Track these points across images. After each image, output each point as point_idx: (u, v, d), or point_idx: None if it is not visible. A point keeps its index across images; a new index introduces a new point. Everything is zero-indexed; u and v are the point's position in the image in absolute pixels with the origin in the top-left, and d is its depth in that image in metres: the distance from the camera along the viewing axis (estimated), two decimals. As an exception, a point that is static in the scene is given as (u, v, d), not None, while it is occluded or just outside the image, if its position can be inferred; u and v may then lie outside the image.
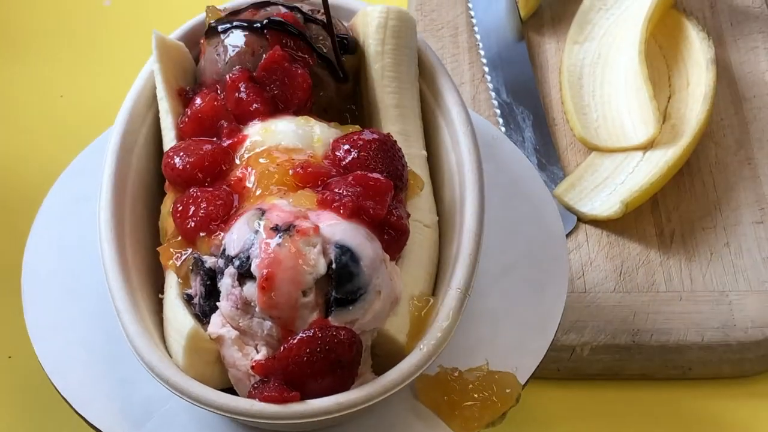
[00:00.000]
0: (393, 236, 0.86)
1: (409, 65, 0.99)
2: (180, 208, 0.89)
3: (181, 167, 0.91)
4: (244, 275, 0.82)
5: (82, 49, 1.44)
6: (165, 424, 0.88)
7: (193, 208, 0.87)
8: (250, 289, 0.81)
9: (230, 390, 0.84)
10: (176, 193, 0.91)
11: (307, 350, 0.80)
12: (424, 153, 0.97)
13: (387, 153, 0.89)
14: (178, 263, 0.88)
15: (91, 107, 1.36)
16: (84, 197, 0.99)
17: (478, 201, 0.91)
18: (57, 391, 0.90)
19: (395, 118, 0.96)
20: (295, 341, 0.80)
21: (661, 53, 1.34)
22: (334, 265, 0.81)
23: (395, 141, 0.90)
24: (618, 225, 1.20)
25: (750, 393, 1.13)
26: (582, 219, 1.21)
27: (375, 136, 0.91)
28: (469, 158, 0.93)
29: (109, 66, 1.42)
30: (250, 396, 0.81)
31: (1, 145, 1.33)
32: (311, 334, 0.80)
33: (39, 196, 1.05)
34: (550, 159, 1.26)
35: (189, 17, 1.06)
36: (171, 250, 0.89)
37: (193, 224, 0.87)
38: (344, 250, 0.81)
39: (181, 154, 0.91)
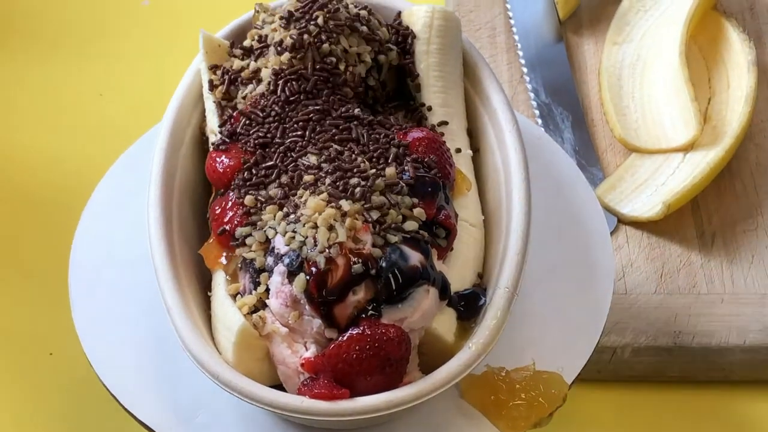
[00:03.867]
0: (441, 234, 0.86)
1: (455, 65, 0.99)
2: (217, 211, 0.89)
3: (221, 170, 0.91)
4: (294, 273, 0.82)
5: (120, 49, 1.45)
6: (213, 420, 0.88)
7: (230, 214, 0.88)
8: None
9: (279, 387, 0.84)
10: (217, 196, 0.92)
11: (357, 348, 0.80)
12: (470, 152, 0.97)
13: (435, 151, 0.89)
14: (226, 261, 0.89)
15: (130, 106, 1.37)
16: (131, 193, 0.99)
17: (525, 200, 0.91)
18: (105, 387, 0.91)
19: (441, 118, 0.96)
20: (345, 339, 0.80)
21: (701, 55, 1.34)
22: (384, 263, 0.81)
23: (443, 139, 0.90)
24: (658, 227, 1.20)
25: (792, 396, 1.13)
26: (622, 220, 1.21)
27: (422, 133, 0.91)
28: (515, 158, 0.94)
29: (147, 65, 1.42)
30: (299, 393, 0.81)
31: (43, 144, 1.33)
32: (361, 332, 0.80)
33: (81, 194, 1.05)
34: (589, 160, 1.26)
35: (224, 15, 1.06)
36: (219, 247, 0.90)
37: (227, 229, 0.88)
38: (394, 248, 0.82)
39: (223, 157, 0.91)
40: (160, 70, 1.40)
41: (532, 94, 1.32)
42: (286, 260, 0.82)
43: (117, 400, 0.90)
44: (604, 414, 1.11)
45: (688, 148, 1.24)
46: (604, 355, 1.11)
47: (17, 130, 1.35)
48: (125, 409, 0.89)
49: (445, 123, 0.96)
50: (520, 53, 1.36)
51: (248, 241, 0.86)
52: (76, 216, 1.03)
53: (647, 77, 1.32)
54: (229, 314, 0.85)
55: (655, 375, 1.13)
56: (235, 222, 0.88)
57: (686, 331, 1.12)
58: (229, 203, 0.89)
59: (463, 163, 0.95)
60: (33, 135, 1.35)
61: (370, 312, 0.81)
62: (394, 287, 0.81)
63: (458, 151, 0.95)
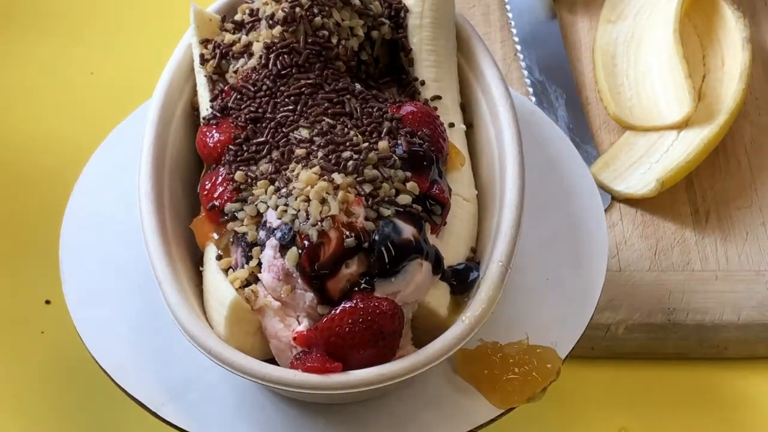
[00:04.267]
0: (434, 209, 0.85)
1: (448, 39, 0.99)
2: (207, 186, 0.89)
3: (212, 145, 0.91)
4: (286, 246, 0.81)
5: (111, 26, 1.44)
6: (204, 395, 0.88)
7: (219, 189, 0.87)
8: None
9: (271, 361, 0.84)
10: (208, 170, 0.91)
11: (350, 321, 0.80)
12: (463, 126, 0.97)
13: (429, 125, 0.89)
14: (217, 236, 0.88)
15: (122, 84, 1.36)
16: (121, 169, 0.99)
17: (519, 175, 0.91)
18: (96, 363, 0.90)
19: (434, 92, 0.96)
20: (338, 312, 0.80)
21: (695, 33, 1.33)
22: (377, 237, 0.80)
23: (437, 114, 0.90)
24: (653, 204, 1.19)
25: (786, 373, 1.13)
26: (616, 198, 1.20)
27: (415, 108, 0.90)
28: (508, 132, 0.93)
29: (138, 43, 1.41)
30: (291, 366, 0.81)
31: (34, 123, 1.33)
32: (353, 305, 0.80)
33: (72, 172, 1.05)
34: (583, 138, 1.25)
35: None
36: (209, 223, 0.89)
37: (217, 204, 0.87)
38: (387, 221, 0.81)
39: (213, 131, 0.91)
40: (152, 48, 1.38)
41: (525, 72, 1.31)
42: (278, 234, 0.82)
43: (109, 376, 0.89)
44: (598, 391, 1.11)
45: (682, 125, 1.24)
46: (598, 331, 1.11)
47: (8, 109, 1.34)
48: (117, 385, 0.89)
49: (438, 97, 0.96)
50: (514, 31, 1.36)
51: (239, 215, 0.85)
52: (67, 192, 1.02)
53: (641, 55, 1.31)
54: (221, 288, 0.84)
55: (649, 352, 1.12)
56: (225, 197, 0.87)
57: (680, 308, 1.11)
58: (219, 178, 0.88)
59: (456, 137, 0.95)
60: (24, 114, 1.34)
61: (363, 285, 0.80)
62: (387, 260, 0.80)
63: (451, 125, 0.94)
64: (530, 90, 1.29)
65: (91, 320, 0.92)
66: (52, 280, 1.10)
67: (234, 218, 0.86)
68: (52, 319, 1.15)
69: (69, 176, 1.05)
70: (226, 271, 0.86)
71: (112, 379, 0.89)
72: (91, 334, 0.91)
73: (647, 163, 1.22)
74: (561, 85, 1.30)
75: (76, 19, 1.44)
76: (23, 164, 1.28)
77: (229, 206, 0.86)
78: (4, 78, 1.38)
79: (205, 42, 0.97)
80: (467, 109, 0.99)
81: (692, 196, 1.21)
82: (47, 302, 1.16)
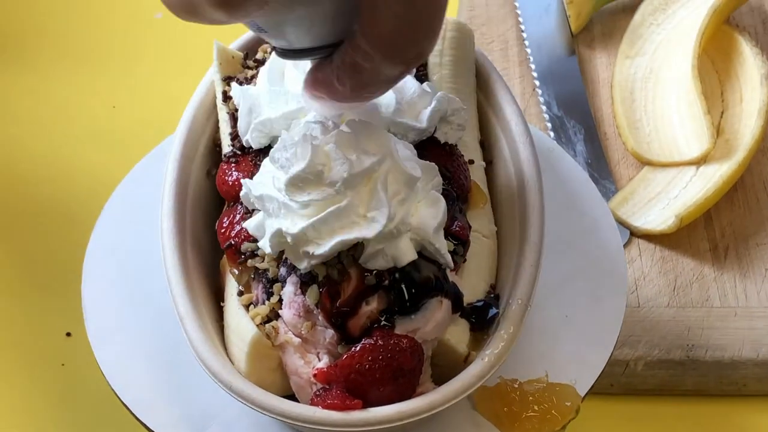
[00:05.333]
0: (455, 245, 0.86)
1: (468, 76, 1.00)
2: (225, 224, 0.89)
3: (231, 183, 0.91)
4: (307, 283, 0.82)
5: (134, 61, 1.45)
6: (224, 430, 0.88)
7: (237, 228, 0.88)
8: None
9: (291, 397, 0.84)
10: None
11: (370, 358, 0.80)
12: (483, 163, 0.97)
13: (452, 162, 0.89)
14: (238, 272, 0.89)
15: (143, 117, 1.37)
16: (143, 204, 1.00)
17: (539, 213, 0.91)
18: (117, 397, 0.91)
19: (454, 129, 0.96)
20: (358, 349, 0.80)
21: (713, 68, 1.34)
22: (397, 274, 0.81)
23: (460, 152, 0.90)
24: (671, 240, 1.20)
25: (806, 410, 1.12)
26: (635, 233, 1.20)
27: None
28: (529, 169, 0.94)
29: (160, 77, 1.43)
30: (312, 403, 0.81)
31: (57, 155, 1.34)
32: (373, 342, 0.80)
33: (94, 205, 1.06)
34: (602, 173, 1.26)
35: (238, 27, 1.06)
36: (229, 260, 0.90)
37: (232, 243, 0.88)
38: (408, 258, 0.82)
39: (233, 169, 0.92)
40: (173, 83, 1.40)
41: (544, 107, 1.32)
42: (300, 271, 0.82)
43: (130, 411, 0.90)
44: (617, 428, 1.11)
45: (701, 161, 1.24)
46: (616, 368, 1.10)
47: (32, 141, 1.36)
48: (138, 420, 0.89)
49: (458, 135, 0.96)
50: (533, 66, 1.36)
51: (260, 252, 0.86)
52: (89, 227, 1.03)
53: (660, 90, 1.32)
54: (242, 324, 0.85)
55: (669, 388, 1.12)
56: (243, 236, 0.88)
57: (699, 345, 1.11)
58: (237, 216, 0.89)
59: (476, 174, 0.95)
60: (48, 146, 1.35)
61: (383, 322, 0.81)
62: (407, 298, 0.81)
63: (471, 162, 0.95)
64: (549, 125, 1.30)
65: (113, 355, 0.92)
66: (73, 313, 1.11)
67: (253, 255, 0.87)
68: (72, 351, 1.16)
69: (92, 210, 1.06)
70: (247, 307, 0.86)
71: (133, 414, 0.90)
72: (112, 368, 0.92)
73: (666, 199, 1.22)
74: (579, 120, 1.31)
75: (99, 52, 1.46)
76: (46, 198, 1.29)
77: (246, 245, 0.87)
78: (27, 111, 1.39)
79: (227, 79, 0.98)
80: (487, 146, 1.00)
81: (711, 232, 1.21)
82: (68, 335, 1.17)
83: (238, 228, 0.88)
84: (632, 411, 1.12)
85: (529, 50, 1.38)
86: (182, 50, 1.45)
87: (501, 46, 1.40)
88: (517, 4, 1.43)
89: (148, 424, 0.88)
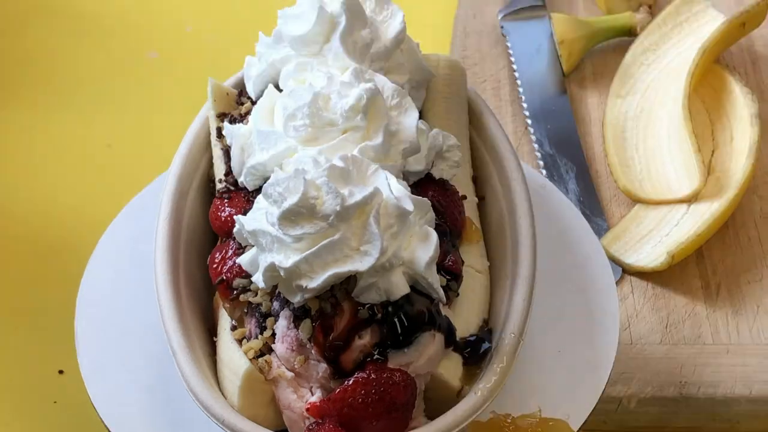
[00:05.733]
0: (448, 280, 0.86)
1: (460, 113, 1.01)
2: (217, 259, 0.90)
3: (223, 219, 0.92)
4: (300, 317, 0.82)
5: (129, 100, 1.46)
6: (217, 466, 0.88)
7: (229, 264, 0.89)
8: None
9: (284, 432, 0.84)
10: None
11: (362, 392, 0.80)
12: (475, 199, 0.98)
13: (447, 198, 0.90)
14: (231, 307, 0.89)
15: (138, 156, 1.38)
16: (137, 240, 1.00)
17: (530, 247, 0.92)
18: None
19: (447, 165, 0.97)
20: (351, 383, 0.81)
21: (704, 108, 1.35)
22: (390, 308, 0.81)
23: (454, 188, 0.91)
24: (663, 277, 1.20)
25: (799, 447, 1.12)
26: (627, 271, 1.21)
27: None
28: (521, 205, 0.94)
29: (155, 117, 1.44)
30: (305, 437, 0.82)
31: (51, 193, 1.34)
32: (366, 376, 0.80)
33: (88, 242, 1.06)
34: (594, 210, 1.26)
35: (231, 67, 1.08)
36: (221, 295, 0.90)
37: (224, 278, 0.88)
38: (400, 293, 0.82)
39: (226, 205, 0.92)
40: (168, 122, 1.40)
41: (536, 146, 1.33)
42: (292, 305, 0.83)
43: (121, 446, 0.90)
44: (610, 465, 1.11)
45: (692, 199, 1.25)
46: (609, 405, 1.10)
47: (28, 179, 1.36)
48: (129, 455, 0.89)
49: (450, 170, 0.97)
50: (524, 105, 1.38)
51: (252, 287, 0.86)
52: (83, 264, 1.03)
53: (651, 129, 1.33)
54: (234, 358, 0.85)
55: (661, 426, 1.12)
56: (234, 272, 0.88)
57: (692, 382, 1.11)
58: (229, 252, 0.90)
59: (468, 209, 0.96)
60: (43, 184, 1.36)
61: (376, 356, 0.81)
62: (400, 332, 0.81)
63: (464, 197, 0.96)
64: (541, 163, 1.31)
65: (105, 389, 0.93)
66: (65, 350, 1.11)
67: (245, 291, 0.87)
68: (65, 388, 1.16)
69: (85, 247, 1.06)
70: (240, 341, 0.87)
71: (125, 450, 0.90)
72: (104, 403, 0.92)
73: (658, 236, 1.23)
74: (571, 158, 1.32)
75: (94, 91, 1.47)
76: (40, 235, 1.30)
77: (237, 281, 0.88)
78: (23, 150, 1.40)
79: (221, 116, 0.99)
80: (479, 181, 1.01)
81: (703, 270, 1.22)
82: (60, 372, 1.17)
83: (230, 263, 0.89)
84: (626, 448, 1.12)
85: (521, 89, 1.39)
86: (177, 90, 1.46)
87: (493, 86, 1.41)
88: (509, 44, 1.44)
89: (140, 459, 0.88)
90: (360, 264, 0.79)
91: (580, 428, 0.90)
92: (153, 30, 1.55)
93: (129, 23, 1.55)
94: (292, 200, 0.79)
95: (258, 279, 0.83)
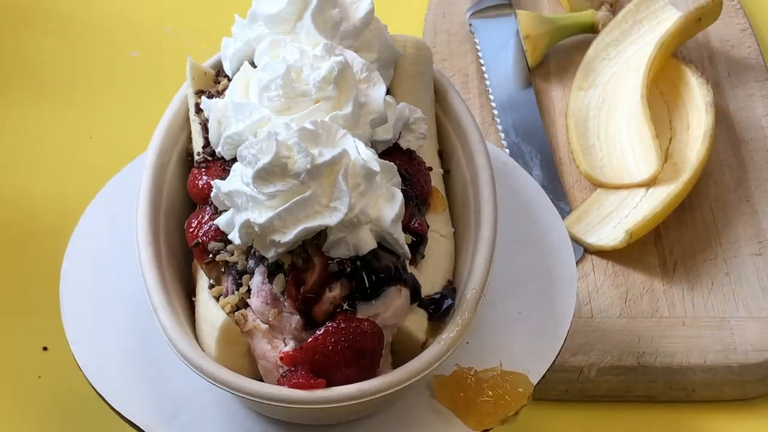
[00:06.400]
0: (414, 241, 0.91)
1: (426, 90, 1.06)
2: (194, 224, 0.95)
3: (200, 186, 0.97)
4: (273, 273, 0.87)
5: (110, 96, 1.51)
6: (195, 417, 0.92)
7: (205, 228, 0.93)
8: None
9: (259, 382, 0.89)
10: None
11: (333, 340, 0.85)
12: (441, 171, 1.03)
13: (413, 167, 0.95)
14: (208, 268, 0.94)
15: (118, 146, 1.42)
16: (119, 213, 1.05)
17: (492, 211, 0.97)
18: (95, 390, 0.95)
19: (413, 140, 1.03)
20: (321, 332, 0.85)
21: (662, 98, 1.41)
22: (359, 262, 0.86)
23: (421, 158, 0.97)
24: (623, 256, 1.26)
25: (752, 415, 1.17)
26: (588, 250, 1.26)
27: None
28: (483, 174, 1.00)
29: (135, 110, 1.48)
30: (279, 384, 0.86)
31: (35, 180, 1.39)
32: (336, 325, 0.85)
33: (70, 225, 1.09)
34: (557, 195, 1.32)
35: (210, 53, 1.13)
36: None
37: (199, 241, 0.93)
38: (368, 249, 0.87)
39: (203, 174, 0.97)
40: (148, 114, 1.45)
41: (502, 134, 1.38)
42: (267, 262, 0.88)
43: (106, 402, 0.94)
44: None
45: (650, 183, 1.30)
46: (571, 374, 1.16)
47: (11, 168, 1.41)
48: (114, 410, 0.93)
49: (417, 144, 1.02)
50: (492, 98, 1.43)
51: (230, 247, 0.91)
52: (65, 243, 1.07)
53: (612, 119, 1.39)
54: (212, 312, 0.90)
55: (621, 394, 1.17)
56: (210, 236, 0.93)
57: (649, 352, 1.17)
58: (206, 217, 0.95)
59: (434, 181, 1.01)
60: (25, 173, 1.40)
61: (345, 307, 0.86)
62: (367, 285, 0.86)
63: (430, 169, 1.01)
64: (507, 151, 1.36)
65: (90, 351, 0.97)
66: (49, 328, 1.16)
67: (218, 252, 0.92)
68: (49, 364, 1.20)
69: (67, 229, 1.10)
70: (217, 298, 0.91)
71: (109, 404, 0.94)
72: (89, 363, 0.96)
73: (617, 218, 1.28)
74: (536, 146, 1.37)
75: (77, 87, 1.51)
76: (23, 219, 1.34)
77: (213, 245, 0.93)
78: (6, 141, 1.44)
79: (199, 93, 1.04)
80: (444, 155, 1.06)
81: (660, 249, 1.27)
82: (44, 349, 1.21)
83: (205, 227, 0.94)
84: (587, 416, 1.16)
85: (488, 83, 1.45)
86: (156, 86, 1.50)
87: (462, 79, 1.47)
88: (476, 40, 1.50)
89: (123, 413, 0.92)
90: (329, 219, 0.84)
91: (538, 381, 0.95)
92: (133, 30, 1.60)
93: (111, 24, 1.60)
94: (265, 160, 0.85)
95: (234, 236, 0.88)
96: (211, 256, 0.92)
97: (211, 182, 0.92)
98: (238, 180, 0.87)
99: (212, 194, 0.91)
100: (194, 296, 0.95)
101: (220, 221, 0.90)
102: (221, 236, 0.92)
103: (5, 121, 1.47)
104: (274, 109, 0.93)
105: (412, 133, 0.98)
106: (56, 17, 1.60)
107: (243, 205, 0.87)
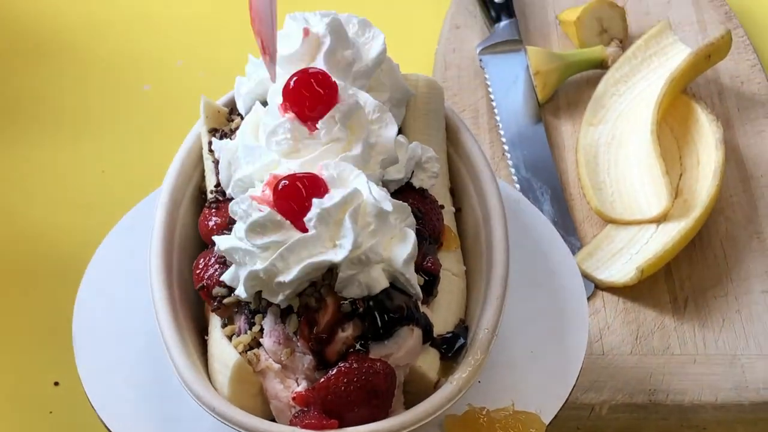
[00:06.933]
0: (426, 280, 0.92)
1: (438, 129, 1.06)
2: (201, 265, 0.95)
3: (210, 227, 0.98)
4: (286, 313, 0.88)
5: (123, 130, 1.52)
6: (207, 457, 0.92)
7: (210, 270, 0.94)
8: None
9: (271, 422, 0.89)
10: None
11: (345, 380, 0.85)
12: (452, 209, 1.04)
13: (426, 205, 0.96)
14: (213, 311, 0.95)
15: (130, 181, 1.43)
16: (132, 250, 1.05)
17: (504, 250, 0.97)
18: (106, 427, 0.95)
19: (425, 178, 1.03)
20: (334, 372, 0.86)
21: (672, 135, 1.42)
22: (371, 302, 0.86)
23: (433, 197, 0.97)
24: (634, 292, 1.26)
25: (764, 453, 1.17)
26: (599, 286, 1.27)
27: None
28: (495, 213, 1.00)
29: (147, 144, 1.49)
30: (291, 424, 0.86)
31: (48, 215, 1.39)
32: (349, 365, 0.85)
33: (84, 259, 1.10)
34: (567, 230, 1.32)
35: (223, 90, 1.13)
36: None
37: (204, 285, 0.94)
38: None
39: (214, 215, 0.98)
40: (160, 148, 1.46)
41: (513, 170, 1.39)
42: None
43: (118, 441, 0.94)
44: (584, 469, 1.15)
45: (660, 219, 1.31)
46: (582, 411, 1.16)
47: (25, 204, 1.41)
48: (125, 449, 0.94)
49: (429, 182, 1.03)
50: (502, 132, 1.44)
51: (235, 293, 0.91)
52: (77, 279, 1.07)
53: (622, 154, 1.39)
54: (225, 352, 0.90)
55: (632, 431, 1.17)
56: (214, 280, 0.93)
57: (661, 389, 1.17)
58: (212, 259, 0.95)
59: (446, 219, 1.01)
60: (39, 208, 1.41)
61: (358, 347, 0.86)
62: (380, 325, 0.86)
63: (442, 207, 1.01)
64: (517, 186, 1.37)
65: (102, 388, 0.97)
66: (61, 363, 1.16)
67: (223, 298, 0.92)
68: (60, 399, 1.20)
69: (80, 264, 1.10)
70: (230, 337, 0.92)
71: (121, 444, 0.94)
72: (101, 400, 0.96)
73: (628, 254, 1.28)
74: (546, 182, 1.38)
75: (90, 121, 1.52)
76: (37, 253, 1.35)
77: (217, 290, 0.93)
78: (20, 176, 1.45)
79: (213, 131, 1.04)
80: (456, 193, 1.06)
81: (671, 286, 1.27)
82: (56, 384, 1.21)
83: (210, 270, 0.94)
84: (598, 454, 1.17)
85: (498, 118, 1.46)
86: (169, 120, 1.52)
87: (472, 114, 1.47)
88: (487, 76, 1.51)
89: (134, 452, 0.93)
90: (334, 255, 0.85)
91: (550, 422, 0.95)
92: (146, 64, 1.61)
93: (124, 58, 1.61)
94: (257, 215, 0.85)
95: (240, 291, 0.88)
96: (216, 302, 0.93)
97: (214, 238, 0.92)
98: (233, 236, 0.88)
99: (215, 248, 0.92)
100: (206, 334, 0.95)
101: (226, 277, 0.90)
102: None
103: (17, 154, 1.48)
104: (282, 152, 0.93)
105: (425, 172, 0.99)
106: (69, 51, 1.62)
107: (241, 260, 0.87)
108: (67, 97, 1.56)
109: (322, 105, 0.93)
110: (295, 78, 0.94)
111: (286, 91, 0.94)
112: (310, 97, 0.93)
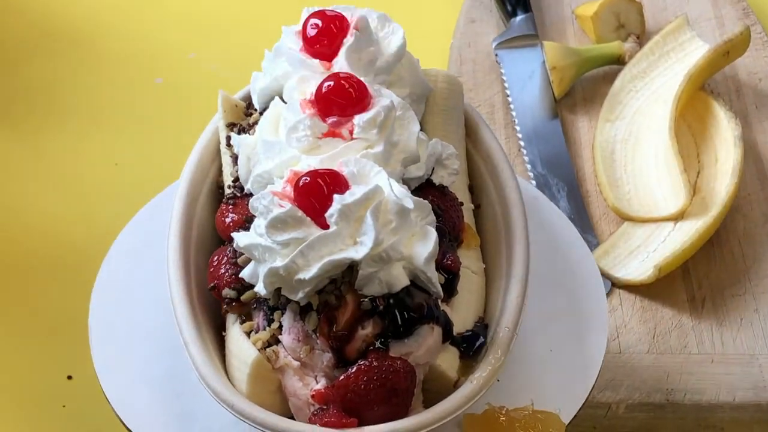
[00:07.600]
0: (446, 278, 0.91)
1: (457, 125, 1.05)
2: (214, 263, 0.94)
3: (227, 224, 0.97)
4: (306, 310, 0.87)
5: (136, 122, 1.51)
6: (223, 454, 0.92)
7: (221, 270, 0.93)
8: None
9: (290, 419, 0.88)
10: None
11: (365, 378, 0.84)
12: (472, 206, 1.03)
13: (446, 202, 0.95)
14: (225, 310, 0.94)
15: (143, 173, 1.42)
16: (149, 243, 1.04)
17: (524, 249, 0.96)
18: (121, 422, 0.94)
19: (444, 175, 1.02)
20: (354, 370, 0.85)
21: (690, 132, 1.41)
22: (391, 300, 0.86)
23: (453, 194, 0.96)
24: (651, 290, 1.25)
25: (782, 453, 1.17)
26: (616, 284, 1.26)
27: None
28: (515, 210, 0.99)
29: (160, 136, 1.48)
30: (310, 422, 0.86)
31: (61, 209, 1.39)
32: (368, 364, 0.85)
33: (98, 255, 1.09)
34: (584, 227, 1.31)
35: (231, 92, 1.12)
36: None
37: (215, 285, 0.93)
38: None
39: (231, 211, 0.97)
40: (173, 141, 1.46)
41: (529, 166, 1.38)
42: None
43: (133, 436, 0.94)
44: (600, 468, 1.15)
45: (678, 217, 1.30)
46: (599, 410, 1.15)
47: (38, 197, 1.41)
48: (140, 445, 0.93)
49: (448, 179, 1.02)
50: (518, 128, 1.43)
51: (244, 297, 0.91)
52: (92, 273, 1.07)
53: (639, 151, 1.38)
54: (243, 348, 0.89)
55: (649, 431, 1.16)
56: (225, 281, 0.93)
57: (678, 389, 1.16)
58: (225, 258, 0.94)
59: (466, 216, 1.00)
60: (52, 200, 1.40)
61: (378, 345, 0.85)
62: (400, 323, 0.86)
63: (461, 204, 1.00)
64: (533, 182, 1.36)
65: (117, 382, 0.96)
66: (74, 357, 1.16)
67: (231, 301, 0.92)
68: (74, 393, 1.20)
69: (94, 257, 1.10)
70: (248, 334, 0.91)
71: (136, 438, 0.93)
72: (116, 394, 0.95)
73: (645, 252, 1.27)
74: (562, 178, 1.37)
75: (103, 114, 1.51)
76: (52, 247, 1.34)
77: (226, 291, 0.93)
78: (34, 169, 1.44)
79: (231, 125, 1.03)
80: (475, 190, 1.05)
81: (689, 284, 1.26)
82: (69, 377, 1.21)
83: (222, 270, 0.93)
84: (614, 453, 1.16)
85: (514, 113, 1.45)
86: (181, 112, 1.51)
87: (488, 110, 1.46)
88: (502, 71, 1.50)
89: (150, 448, 0.92)
90: (355, 252, 0.84)
91: (570, 421, 0.94)
92: (158, 57, 1.60)
93: (136, 50, 1.60)
94: (277, 211, 0.85)
95: (260, 288, 0.87)
96: (225, 303, 0.92)
97: (233, 234, 0.91)
98: (253, 232, 0.87)
99: (234, 245, 0.91)
100: (224, 330, 0.94)
101: (245, 273, 0.90)
102: (235, 284, 0.92)
103: (30, 147, 1.47)
104: (303, 149, 0.92)
105: (445, 169, 0.98)
106: (81, 44, 1.61)
107: (261, 256, 0.86)
108: (79, 89, 1.55)
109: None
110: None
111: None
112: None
